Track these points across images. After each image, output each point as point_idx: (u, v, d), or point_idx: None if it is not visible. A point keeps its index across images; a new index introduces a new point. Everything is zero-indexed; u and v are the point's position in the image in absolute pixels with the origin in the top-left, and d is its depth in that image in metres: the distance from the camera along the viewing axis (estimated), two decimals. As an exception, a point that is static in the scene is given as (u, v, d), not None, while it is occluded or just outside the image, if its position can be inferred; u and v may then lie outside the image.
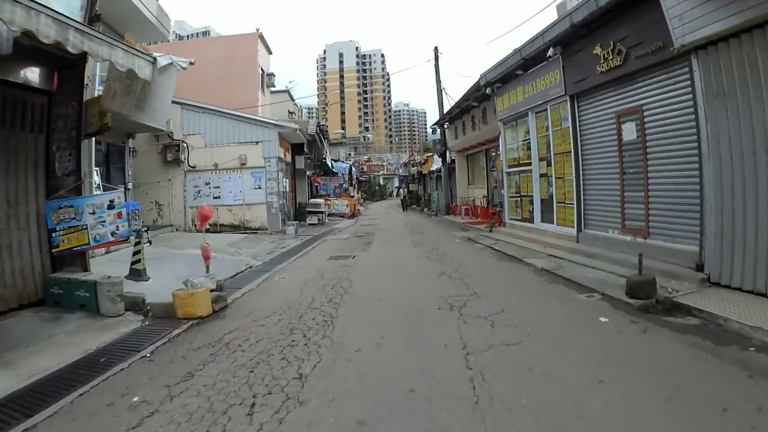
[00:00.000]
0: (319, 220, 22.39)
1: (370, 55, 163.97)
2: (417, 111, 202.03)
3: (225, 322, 5.95)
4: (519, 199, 13.51)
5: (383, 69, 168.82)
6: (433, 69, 25.88)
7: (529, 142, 12.41)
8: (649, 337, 4.67)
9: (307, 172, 26.26)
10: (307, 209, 22.51)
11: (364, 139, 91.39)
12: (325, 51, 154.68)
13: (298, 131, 17.88)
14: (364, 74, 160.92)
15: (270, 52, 30.07)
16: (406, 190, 34.11)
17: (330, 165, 26.54)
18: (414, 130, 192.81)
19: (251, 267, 10.23)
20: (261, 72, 28.02)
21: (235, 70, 26.38)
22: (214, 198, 17.57)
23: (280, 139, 18.22)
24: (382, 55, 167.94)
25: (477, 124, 19.11)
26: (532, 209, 12.44)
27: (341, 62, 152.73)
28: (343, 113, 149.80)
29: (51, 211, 6.61)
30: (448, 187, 25.68)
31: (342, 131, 60.62)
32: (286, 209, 20.41)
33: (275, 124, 17.71)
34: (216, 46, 26.77)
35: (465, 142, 22.31)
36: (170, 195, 17.88)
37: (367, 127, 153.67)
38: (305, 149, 22.03)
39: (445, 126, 24.84)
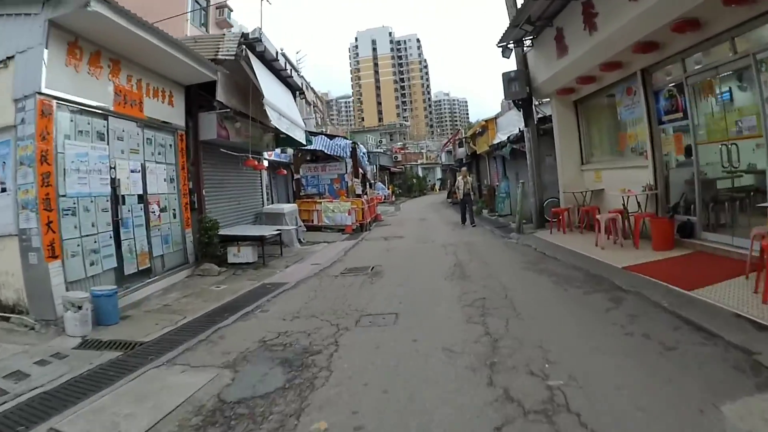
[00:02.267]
0: (259, 257, 9.82)
1: (405, 41, 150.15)
2: (458, 100, 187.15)
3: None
4: None
5: (420, 55, 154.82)
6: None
7: None
8: None
9: (281, 156, 13.67)
10: (232, 234, 9.89)
11: (400, 126, 78.46)
12: (356, 39, 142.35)
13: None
14: (400, 61, 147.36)
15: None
16: (465, 180, 15.75)
17: (306, 139, 13.61)
18: (456, 122, 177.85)
19: None
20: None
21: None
22: None
23: (70, 46, 5.70)
24: (418, 41, 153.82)
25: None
26: None
27: (374, 49, 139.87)
28: (379, 103, 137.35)
29: None
30: (537, 172, 12.38)
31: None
32: (159, 237, 7.90)
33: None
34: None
35: (590, 60, 9.12)
36: None
37: (406, 117, 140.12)
38: (222, 97, 9.44)
39: (527, 44, 11.70)
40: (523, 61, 11.98)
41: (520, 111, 12.11)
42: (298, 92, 13.41)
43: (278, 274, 8.72)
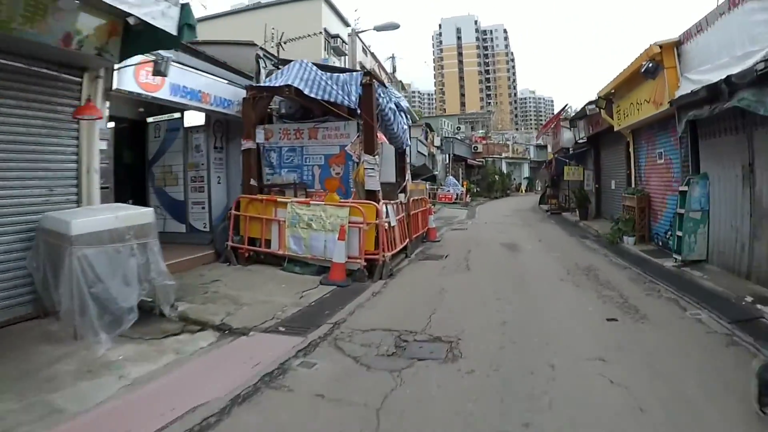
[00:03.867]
0: None
1: (491, 31, 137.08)
2: (544, 99, 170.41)
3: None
4: None
5: (506, 47, 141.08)
6: None
7: None
8: None
9: (202, 100, 5.30)
10: None
11: (482, 116, 68.25)
12: (440, 26, 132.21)
13: None
14: (485, 52, 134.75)
15: None
16: None
17: (183, 25, 4.82)
18: (541, 121, 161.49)
19: None
20: None
21: None
22: None
23: None
24: (505, 31, 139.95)
25: None
26: None
27: (459, 38, 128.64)
28: (462, 95, 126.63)
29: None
30: None
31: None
32: None
33: None
34: None
35: None
36: None
37: (490, 110, 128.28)
38: None
39: None
40: None
41: None
42: None
43: None
